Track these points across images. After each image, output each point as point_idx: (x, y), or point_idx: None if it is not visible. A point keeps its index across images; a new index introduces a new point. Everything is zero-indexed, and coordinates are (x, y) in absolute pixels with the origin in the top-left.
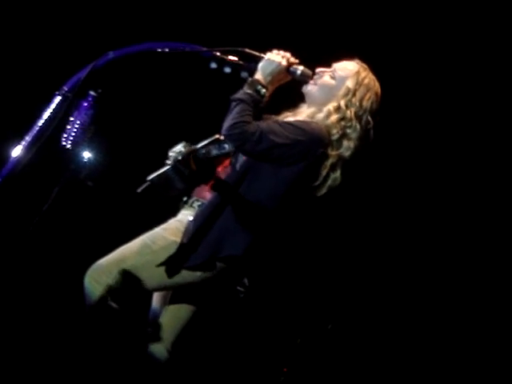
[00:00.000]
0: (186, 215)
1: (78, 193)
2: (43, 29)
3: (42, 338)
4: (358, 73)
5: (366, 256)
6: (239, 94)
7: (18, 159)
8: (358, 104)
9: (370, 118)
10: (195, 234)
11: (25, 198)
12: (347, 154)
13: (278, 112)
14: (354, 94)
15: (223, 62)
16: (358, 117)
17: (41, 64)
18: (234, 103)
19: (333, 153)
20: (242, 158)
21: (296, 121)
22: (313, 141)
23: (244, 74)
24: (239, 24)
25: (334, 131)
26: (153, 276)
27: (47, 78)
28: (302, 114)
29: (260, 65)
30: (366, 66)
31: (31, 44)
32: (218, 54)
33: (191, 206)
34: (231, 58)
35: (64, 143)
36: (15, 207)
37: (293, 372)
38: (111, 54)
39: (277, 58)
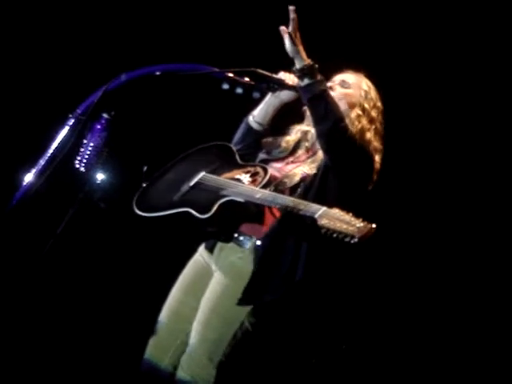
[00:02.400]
0: (240, 259)
1: (92, 215)
2: (56, 52)
3: (52, 361)
4: (362, 77)
5: (379, 274)
6: (321, 86)
7: (32, 182)
8: (378, 104)
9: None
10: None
11: (38, 221)
12: (382, 148)
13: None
14: (371, 96)
15: (235, 83)
16: (380, 114)
17: (54, 87)
18: (317, 98)
19: (378, 159)
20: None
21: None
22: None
23: (256, 95)
24: (250, 45)
25: (369, 135)
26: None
27: (60, 101)
28: None
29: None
30: None
31: (44, 67)
32: (230, 74)
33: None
34: (243, 78)
35: (78, 165)
36: (29, 230)
37: None
38: (124, 77)
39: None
